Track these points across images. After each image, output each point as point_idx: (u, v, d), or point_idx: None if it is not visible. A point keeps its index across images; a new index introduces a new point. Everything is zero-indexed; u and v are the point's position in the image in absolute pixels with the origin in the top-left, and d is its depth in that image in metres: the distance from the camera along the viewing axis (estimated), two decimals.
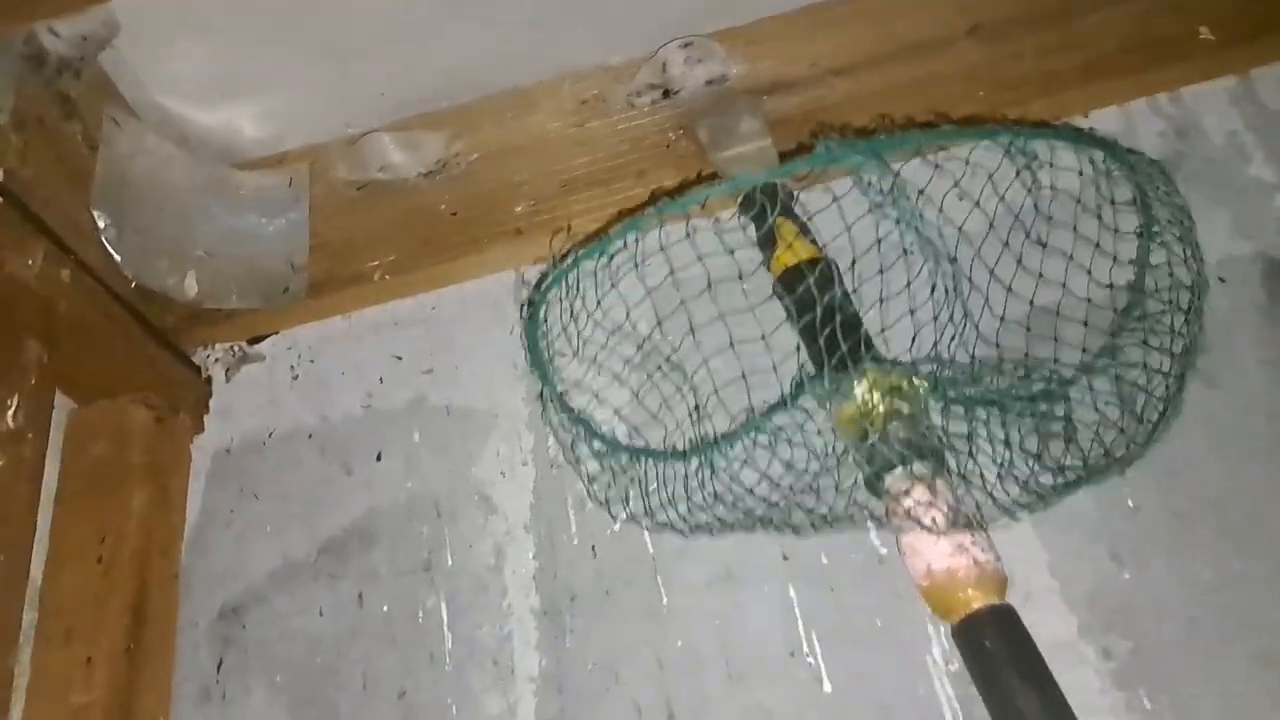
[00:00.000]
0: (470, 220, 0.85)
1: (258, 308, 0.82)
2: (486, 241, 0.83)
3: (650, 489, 0.65)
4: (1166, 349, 0.61)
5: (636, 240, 0.63)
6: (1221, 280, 0.71)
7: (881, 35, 0.85)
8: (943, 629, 0.61)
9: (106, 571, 0.68)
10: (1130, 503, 0.64)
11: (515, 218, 0.84)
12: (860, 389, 0.59)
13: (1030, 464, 0.60)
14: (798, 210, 0.73)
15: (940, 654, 0.61)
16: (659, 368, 0.71)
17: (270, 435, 0.79)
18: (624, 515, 0.68)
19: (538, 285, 0.66)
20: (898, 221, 0.61)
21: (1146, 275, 0.64)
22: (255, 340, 0.84)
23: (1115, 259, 0.64)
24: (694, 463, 0.63)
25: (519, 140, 0.87)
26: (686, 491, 0.63)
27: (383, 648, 0.69)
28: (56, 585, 0.67)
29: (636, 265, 0.66)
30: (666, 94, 0.85)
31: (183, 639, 0.72)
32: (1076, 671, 0.59)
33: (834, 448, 0.62)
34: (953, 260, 0.61)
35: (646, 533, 0.69)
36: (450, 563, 0.71)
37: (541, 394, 0.69)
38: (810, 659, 0.63)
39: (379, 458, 0.77)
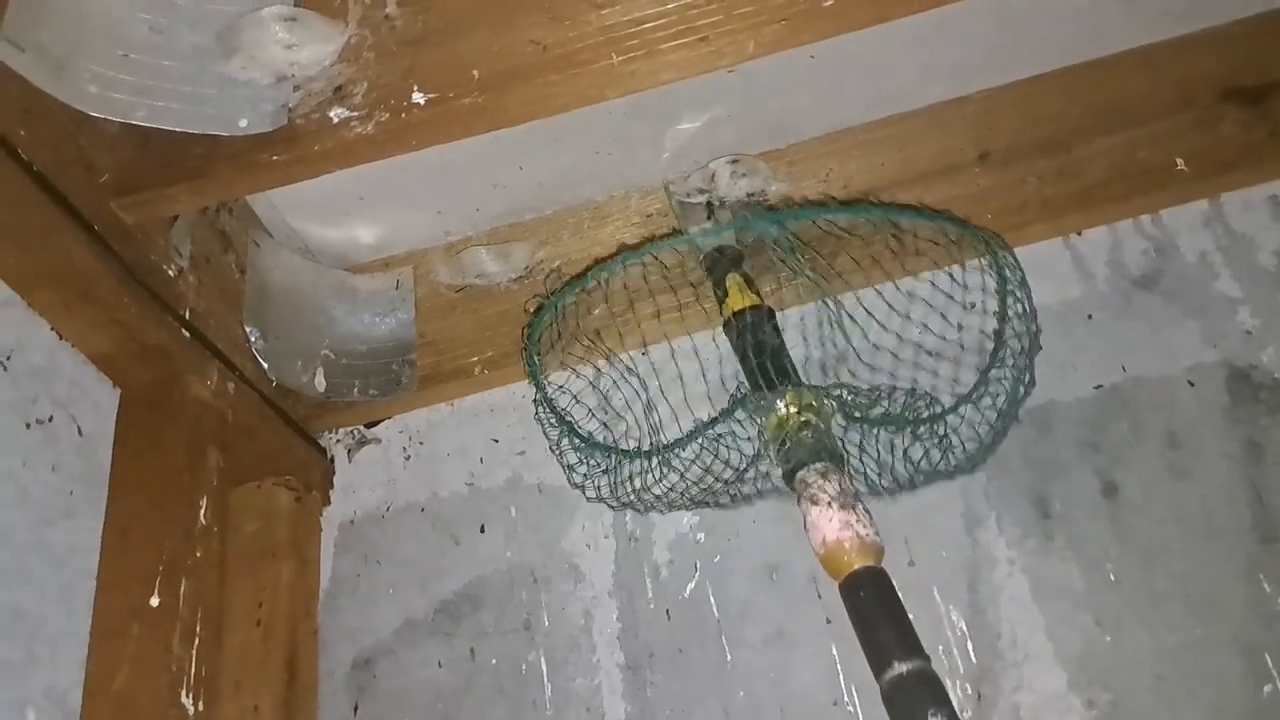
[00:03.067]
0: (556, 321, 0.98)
1: (374, 398, 0.97)
2: (570, 340, 0.97)
3: (620, 478, 0.81)
4: (1014, 383, 0.79)
5: (607, 280, 0.85)
6: (1191, 384, 0.85)
7: (904, 160, 0.98)
8: (959, 683, 0.75)
9: (265, 633, 0.83)
10: (1112, 577, 0.78)
11: (594, 319, 0.98)
12: (781, 405, 0.76)
13: (906, 466, 0.79)
14: None
15: (958, 705, 0.75)
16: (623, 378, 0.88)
17: (388, 509, 0.94)
18: (594, 496, 0.82)
19: (535, 312, 0.84)
20: (794, 273, 0.83)
21: (1004, 324, 0.81)
22: (372, 424, 0.99)
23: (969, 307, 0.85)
24: (654, 460, 0.80)
25: (594, 249, 1.01)
26: (646, 482, 0.80)
27: (493, 696, 0.83)
28: (227, 644, 0.81)
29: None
30: (710, 206, 0.99)
31: (323, 688, 0.86)
32: (1065, 718, 0.73)
33: (759, 449, 0.80)
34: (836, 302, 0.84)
35: (712, 598, 0.83)
36: (547, 623, 0.85)
37: (535, 399, 0.84)
38: (850, 707, 0.77)
39: (482, 530, 0.91)
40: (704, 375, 0.87)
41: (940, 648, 0.77)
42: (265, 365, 0.89)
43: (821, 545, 0.68)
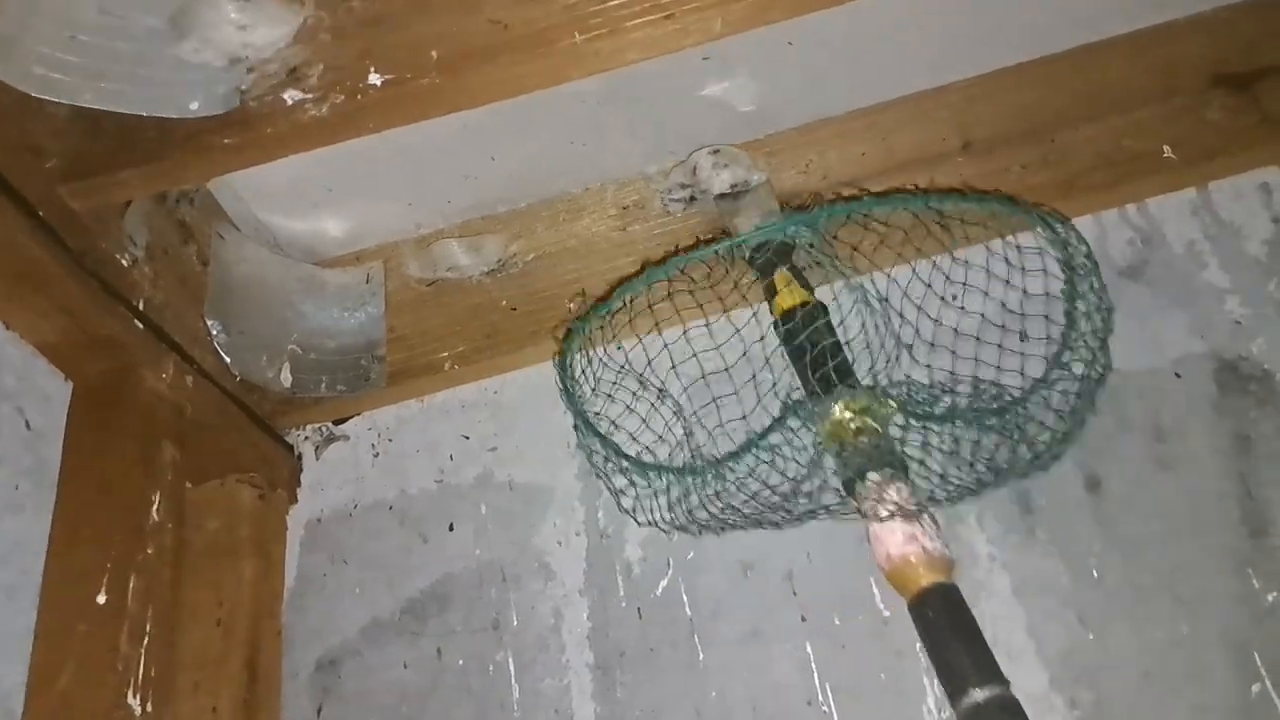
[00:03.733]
0: (528, 315, 0.96)
1: (342, 394, 0.94)
2: (543, 334, 0.95)
3: (672, 499, 0.77)
4: (1083, 373, 0.75)
5: (631, 300, 0.80)
6: (1178, 375, 0.82)
7: (885, 150, 0.96)
8: (935, 683, 0.72)
9: (225, 632, 0.81)
10: (1095, 574, 0.76)
11: (569, 312, 0.96)
12: (837, 409, 0.72)
13: (974, 467, 0.74)
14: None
15: (934, 703, 0.73)
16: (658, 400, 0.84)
17: (355, 507, 0.92)
18: (646, 520, 0.78)
19: (565, 338, 0.80)
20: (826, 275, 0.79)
21: (1074, 313, 0.77)
22: (340, 421, 0.96)
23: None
24: (707, 475, 0.76)
25: (569, 242, 0.99)
26: (700, 500, 0.76)
27: (460, 697, 0.81)
28: (184, 643, 0.78)
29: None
30: (693, 198, 0.97)
31: (287, 689, 0.84)
32: (1048, 718, 0.71)
33: (815, 459, 0.75)
34: (883, 300, 0.78)
35: (685, 596, 0.81)
36: (515, 622, 0.83)
37: (575, 426, 0.81)
38: (825, 707, 0.74)
39: (451, 528, 0.89)
40: (754, 379, 0.82)
41: (918, 645, 0.74)
42: (228, 359, 0.87)
43: (886, 561, 0.65)
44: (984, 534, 0.78)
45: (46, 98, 0.67)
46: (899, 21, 0.91)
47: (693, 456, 0.80)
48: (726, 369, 0.81)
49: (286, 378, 0.92)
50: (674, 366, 0.83)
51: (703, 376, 0.83)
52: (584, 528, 0.86)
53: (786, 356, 0.80)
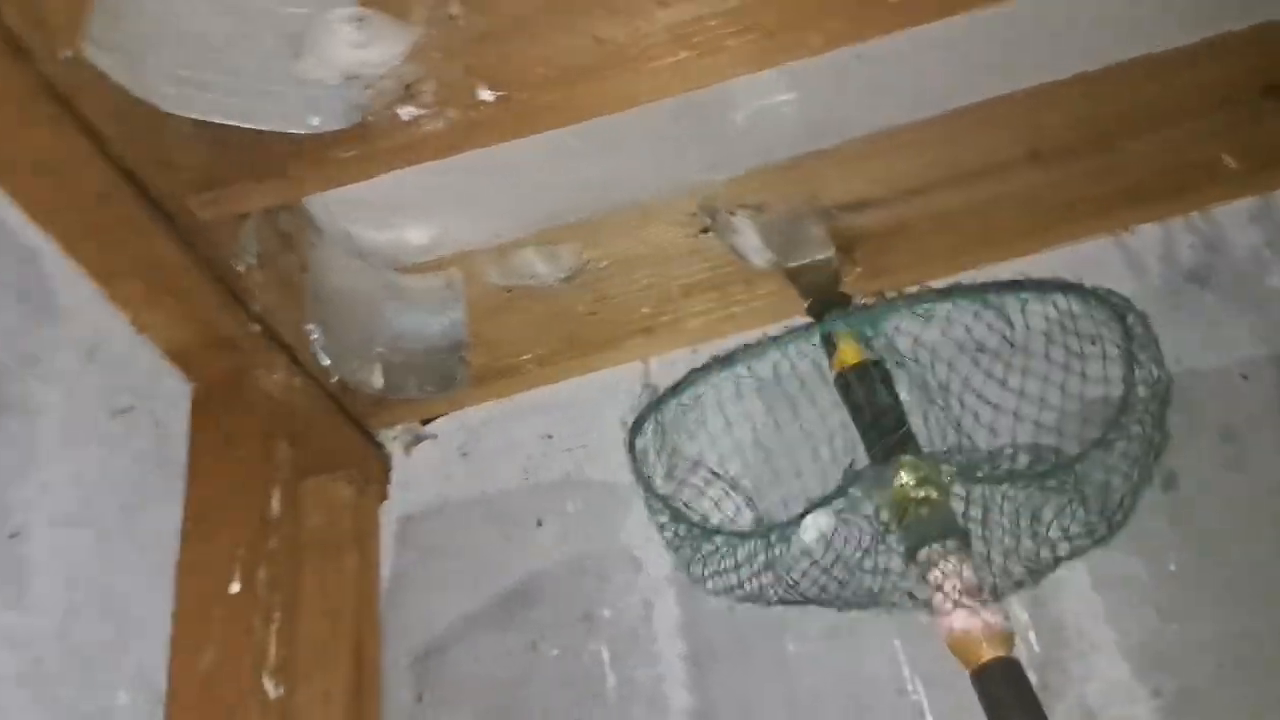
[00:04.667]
0: (605, 320, 1.00)
1: (430, 394, 0.98)
2: (620, 339, 0.98)
3: (743, 566, 0.79)
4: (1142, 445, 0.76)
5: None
6: (1244, 378, 0.85)
7: (951, 159, 0.99)
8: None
9: (333, 623, 0.84)
10: (1173, 568, 0.78)
11: (643, 318, 0.99)
12: (898, 478, 0.73)
13: (1033, 539, 0.75)
14: None
15: None
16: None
17: (445, 504, 0.95)
18: (714, 590, 0.81)
19: (634, 425, 0.85)
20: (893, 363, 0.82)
21: (1133, 372, 0.79)
22: (427, 421, 1.00)
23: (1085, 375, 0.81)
24: (772, 538, 0.78)
25: (641, 249, 1.02)
26: (767, 568, 0.78)
27: (555, 687, 0.84)
28: (298, 634, 0.82)
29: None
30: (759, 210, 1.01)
31: (387, 679, 0.87)
32: (1132, 707, 0.74)
33: (878, 531, 0.76)
34: (944, 388, 0.80)
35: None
36: (607, 615, 0.86)
37: (647, 504, 0.84)
38: (915, 696, 0.77)
39: (539, 524, 0.92)
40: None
41: None
42: (327, 362, 0.90)
43: (948, 635, 0.68)
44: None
45: (177, 113, 0.71)
46: (965, 31, 0.94)
47: (758, 521, 0.83)
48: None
49: (378, 379, 0.96)
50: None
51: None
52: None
53: (850, 414, 0.82)
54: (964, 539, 0.72)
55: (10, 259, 0.62)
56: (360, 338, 0.97)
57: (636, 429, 0.86)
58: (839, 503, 0.77)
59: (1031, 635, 0.78)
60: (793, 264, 0.93)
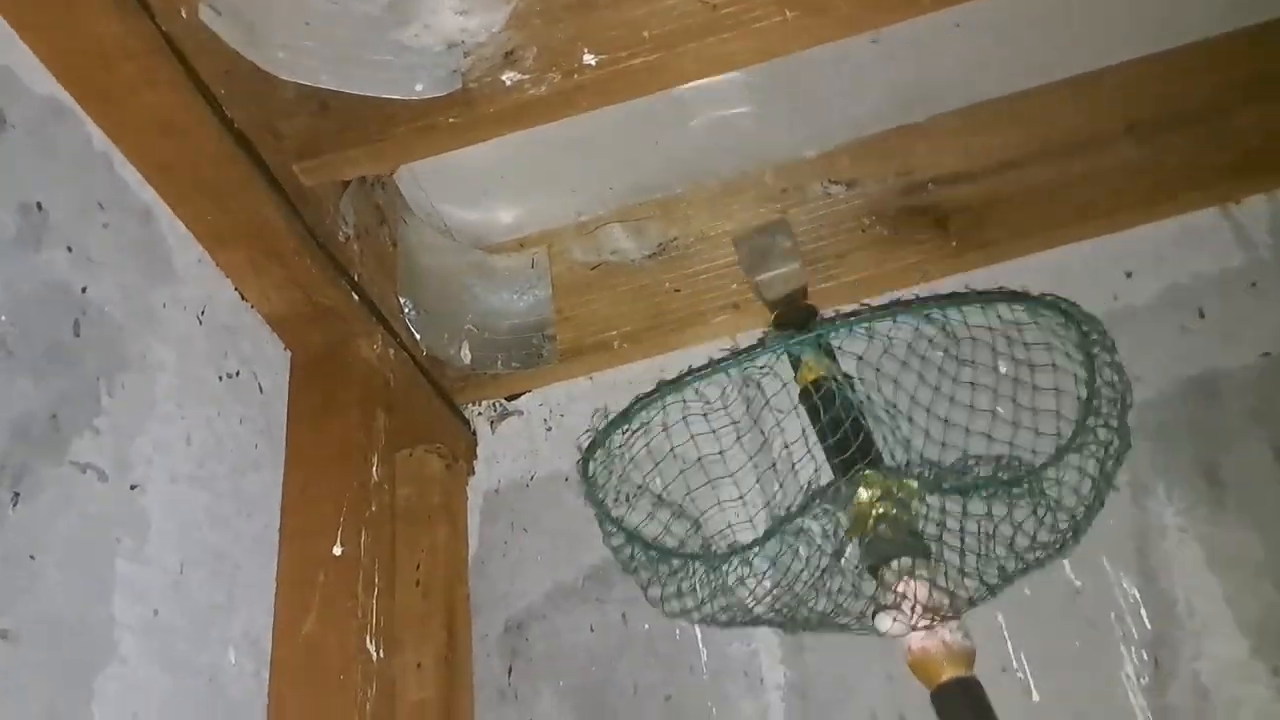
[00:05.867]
0: (691, 296, 0.99)
1: (516, 370, 0.98)
2: (708, 314, 0.97)
3: (699, 589, 0.78)
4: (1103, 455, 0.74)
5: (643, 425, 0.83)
6: None
7: (1045, 133, 0.97)
8: (1135, 650, 0.73)
9: (424, 593, 0.84)
10: None
11: (731, 294, 0.98)
12: (860, 493, 0.72)
13: (1000, 549, 0.72)
14: None
15: (1133, 671, 0.74)
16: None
17: (531, 478, 0.95)
18: (672, 611, 0.79)
19: (588, 449, 0.84)
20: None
21: (1095, 375, 0.76)
22: (513, 397, 1.00)
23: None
24: (733, 563, 0.76)
25: (728, 226, 1.01)
26: (724, 590, 0.76)
27: (647, 660, 0.83)
28: (390, 603, 0.82)
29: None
30: (849, 185, 0.99)
31: (477, 650, 0.87)
32: (1250, 686, 0.71)
33: (838, 545, 0.74)
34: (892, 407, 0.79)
35: None
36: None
37: (602, 528, 0.82)
38: (1020, 674, 0.76)
39: (628, 499, 0.91)
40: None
41: (1113, 614, 0.76)
42: (418, 335, 0.91)
43: (908, 654, 0.67)
44: (1172, 506, 0.79)
45: (287, 78, 0.71)
46: (1062, 4, 0.93)
47: (706, 545, 0.82)
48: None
49: (466, 354, 0.96)
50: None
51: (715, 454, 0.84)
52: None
53: (815, 429, 0.80)
54: (925, 556, 0.70)
55: (130, 218, 0.63)
56: (448, 314, 0.97)
57: (590, 453, 0.84)
58: (798, 522, 0.76)
59: (1143, 613, 0.76)
60: (760, 276, 0.92)
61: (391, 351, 0.84)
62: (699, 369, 0.87)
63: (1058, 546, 0.73)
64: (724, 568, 0.76)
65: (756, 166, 1.03)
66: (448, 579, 0.86)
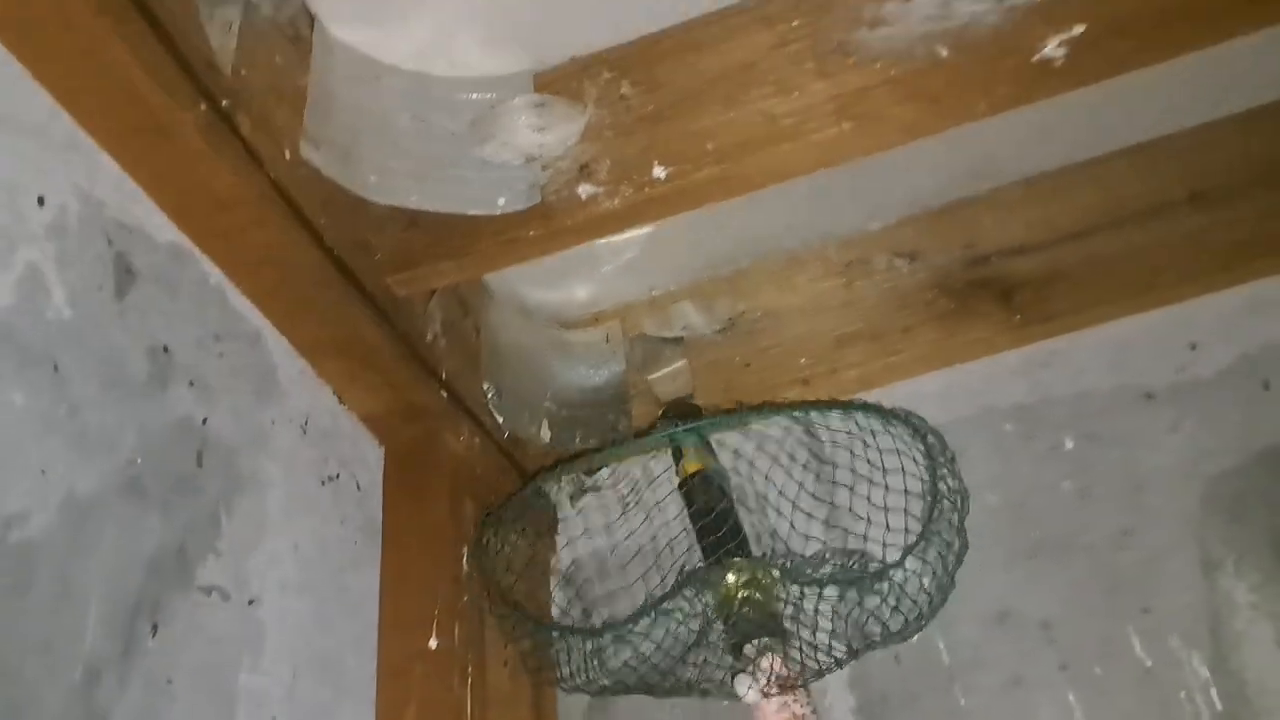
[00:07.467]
0: (761, 371, 1.02)
1: (593, 447, 1.02)
2: (777, 389, 1.00)
3: (576, 661, 0.81)
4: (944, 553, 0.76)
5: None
6: None
7: (1109, 201, 0.99)
8: None
9: (512, 673, 0.88)
10: None
11: (800, 368, 1.01)
12: (729, 577, 0.77)
13: (851, 630, 0.77)
14: None
15: None
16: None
17: (611, 553, 0.98)
18: (558, 681, 0.82)
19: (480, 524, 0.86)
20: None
21: (937, 481, 0.79)
22: (591, 473, 1.04)
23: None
24: (607, 637, 0.80)
25: (794, 300, 1.04)
26: (600, 660, 0.80)
27: None
28: (483, 691, 0.84)
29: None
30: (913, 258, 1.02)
31: None
32: None
33: (705, 624, 0.79)
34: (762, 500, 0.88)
35: (941, 644, 0.84)
36: None
37: (488, 597, 0.84)
38: None
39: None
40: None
41: (1183, 694, 0.77)
42: (500, 419, 0.95)
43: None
44: (1243, 583, 0.80)
45: (380, 201, 0.76)
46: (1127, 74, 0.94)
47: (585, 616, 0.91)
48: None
49: (546, 433, 1.00)
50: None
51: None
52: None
53: (690, 517, 0.87)
54: (782, 635, 0.75)
55: (242, 343, 0.68)
56: (530, 393, 1.01)
57: (483, 525, 0.86)
58: (672, 601, 0.79)
59: (1213, 692, 0.77)
60: (650, 375, 1.00)
61: (477, 440, 0.89)
62: (593, 449, 0.96)
63: (902, 633, 0.77)
64: (599, 641, 0.80)
65: (820, 240, 1.05)
66: None
